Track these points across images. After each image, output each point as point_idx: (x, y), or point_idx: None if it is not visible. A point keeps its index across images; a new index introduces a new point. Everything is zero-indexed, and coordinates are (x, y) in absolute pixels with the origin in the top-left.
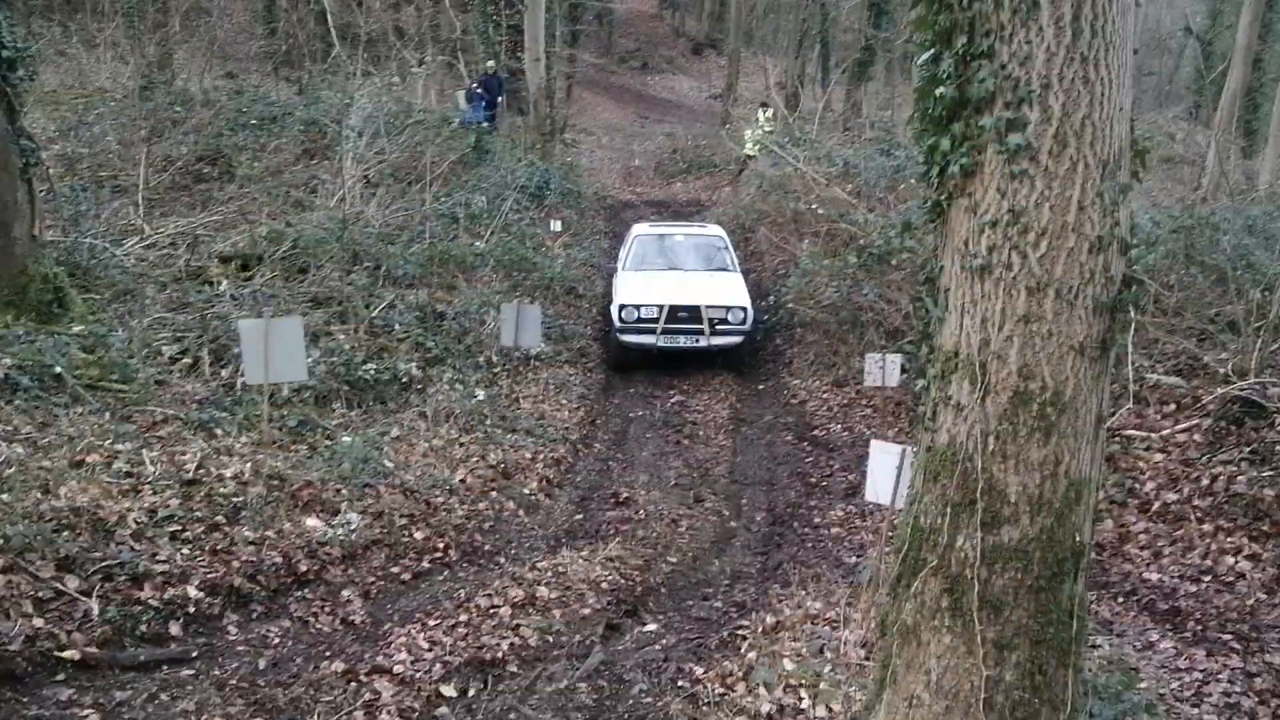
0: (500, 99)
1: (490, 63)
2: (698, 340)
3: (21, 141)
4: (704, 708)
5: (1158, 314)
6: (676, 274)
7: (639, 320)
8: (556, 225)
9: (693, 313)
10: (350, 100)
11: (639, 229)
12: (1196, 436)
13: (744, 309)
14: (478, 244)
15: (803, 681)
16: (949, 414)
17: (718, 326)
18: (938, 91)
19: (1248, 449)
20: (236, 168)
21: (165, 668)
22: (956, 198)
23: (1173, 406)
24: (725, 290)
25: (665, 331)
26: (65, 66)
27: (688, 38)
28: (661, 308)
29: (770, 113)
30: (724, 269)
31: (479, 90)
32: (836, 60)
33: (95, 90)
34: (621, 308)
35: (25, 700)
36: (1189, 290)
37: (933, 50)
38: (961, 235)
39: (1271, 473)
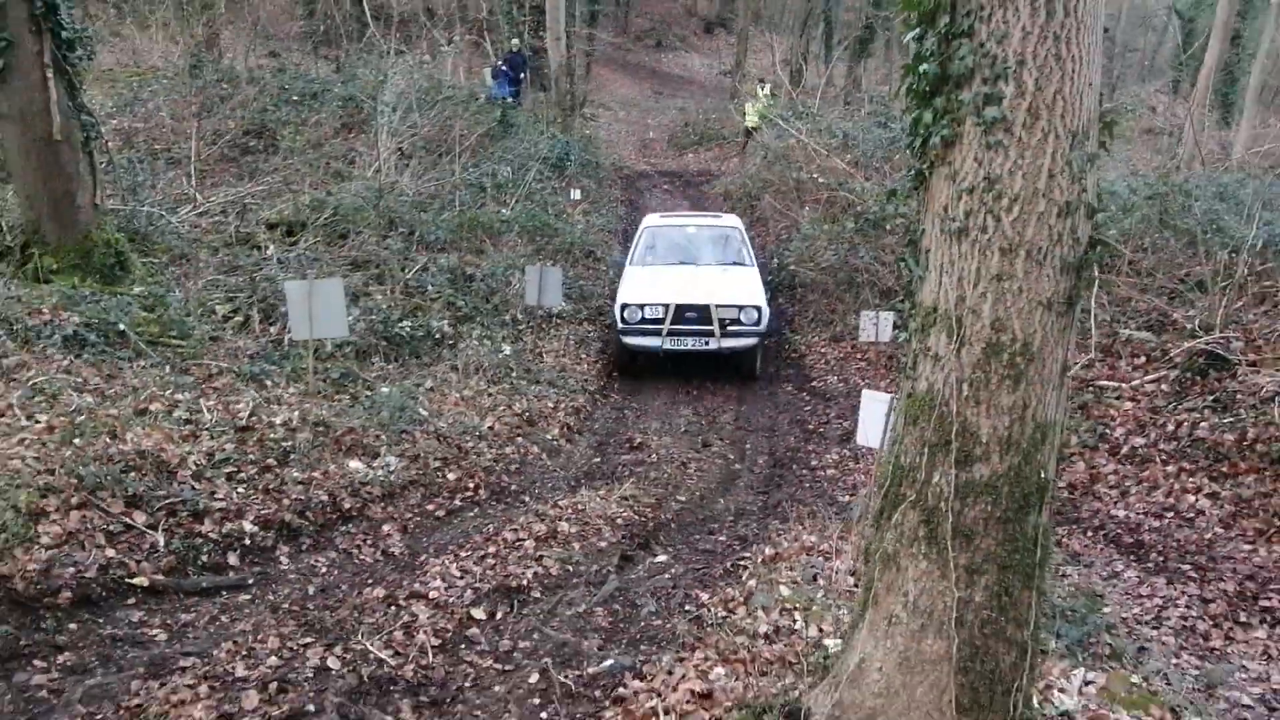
0: (524, 76)
1: (514, 41)
2: (707, 342)
3: (82, 116)
4: (708, 629)
5: (1131, 275)
6: (688, 269)
7: (643, 321)
8: (576, 194)
9: (702, 313)
10: (384, 77)
11: (650, 220)
12: (1164, 386)
13: (758, 309)
14: (503, 211)
15: (797, 605)
16: (928, 363)
17: (729, 328)
18: (922, 68)
19: (1211, 398)
20: (280, 141)
21: (225, 593)
22: (937, 166)
23: (1143, 359)
24: (738, 288)
25: (672, 333)
26: (120, 46)
27: (700, 17)
28: (667, 307)
29: (769, 88)
30: (739, 263)
31: (504, 67)
32: (839, 38)
33: (148, 68)
34: (624, 307)
35: (101, 621)
36: (1161, 252)
37: (918, 29)
38: (941, 201)
39: (1232, 419)
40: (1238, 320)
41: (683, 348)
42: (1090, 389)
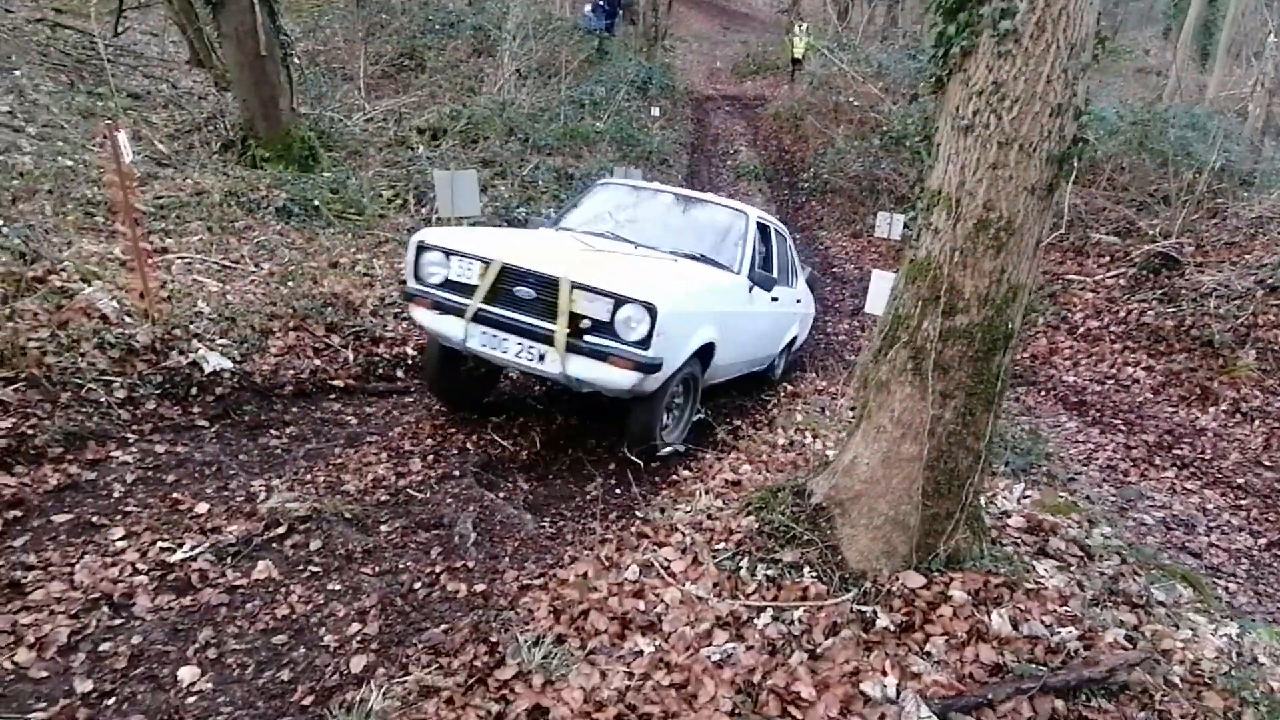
0: (618, 11)
1: None
2: (542, 357)
3: (280, 37)
4: (740, 440)
5: (1109, 189)
6: (614, 246)
7: (446, 285)
8: (656, 111)
9: (543, 291)
10: (507, 9)
11: (608, 180)
12: (1121, 281)
13: (651, 310)
14: (598, 124)
15: (808, 427)
16: (929, 235)
17: (587, 336)
18: None
19: (1160, 291)
20: (426, 62)
21: (395, 396)
22: (955, 73)
23: (1107, 259)
24: (642, 276)
25: (484, 319)
26: None
27: None
28: (487, 266)
29: (806, 27)
30: (715, 262)
31: (601, 3)
32: None
33: (325, 0)
34: (421, 250)
35: (312, 408)
36: (1136, 171)
37: None
38: (955, 102)
39: (1174, 309)
40: (1192, 229)
41: (499, 351)
42: (1059, 281)
